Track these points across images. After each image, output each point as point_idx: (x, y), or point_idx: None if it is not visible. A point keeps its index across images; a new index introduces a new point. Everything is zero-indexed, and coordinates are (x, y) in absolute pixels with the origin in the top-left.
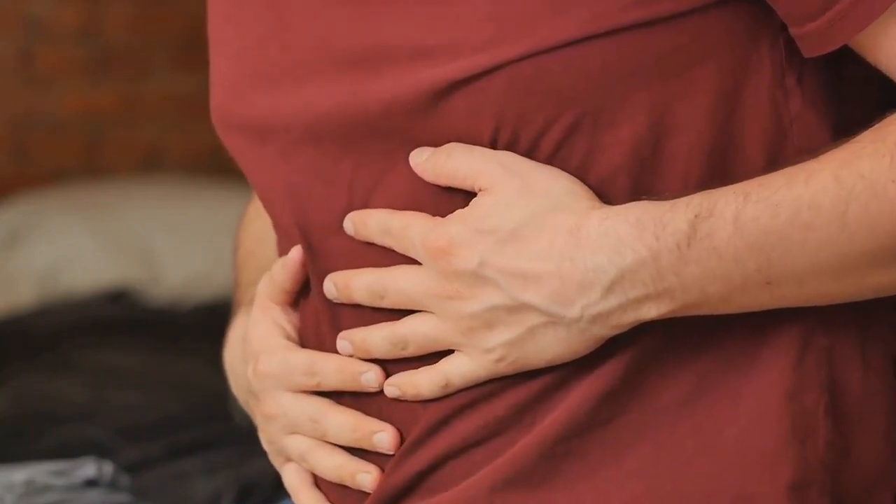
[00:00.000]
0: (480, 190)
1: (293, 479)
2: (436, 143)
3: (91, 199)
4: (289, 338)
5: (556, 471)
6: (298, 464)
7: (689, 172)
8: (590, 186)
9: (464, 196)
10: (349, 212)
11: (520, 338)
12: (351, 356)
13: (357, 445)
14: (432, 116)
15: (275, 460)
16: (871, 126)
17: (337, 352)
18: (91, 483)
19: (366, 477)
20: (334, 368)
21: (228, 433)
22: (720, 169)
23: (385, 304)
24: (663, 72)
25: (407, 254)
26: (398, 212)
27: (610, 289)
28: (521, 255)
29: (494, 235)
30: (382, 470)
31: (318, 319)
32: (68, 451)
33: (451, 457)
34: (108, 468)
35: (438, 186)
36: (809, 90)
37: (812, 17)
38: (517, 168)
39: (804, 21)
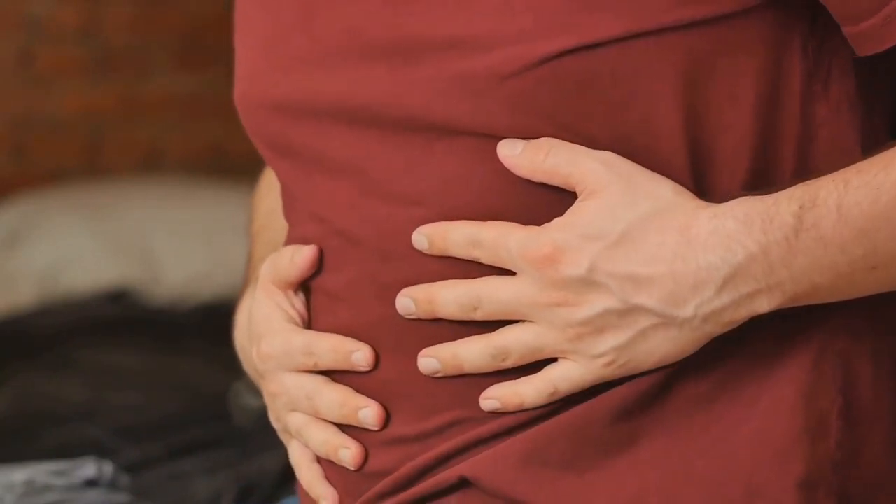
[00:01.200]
0: (583, 192)
1: (296, 455)
2: (474, 135)
3: (91, 199)
4: (291, 320)
5: (573, 454)
6: (298, 440)
7: (735, 174)
8: None
9: (503, 185)
10: (364, 198)
11: (631, 341)
12: (437, 373)
13: (345, 421)
14: (472, 108)
15: (282, 437)
16: None
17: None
18: (91, 483)
19: (346, 453)
20: (328, 348)
21: (228, 433)
22: (761, 171)
23: (477, 316)
24: (705, 72)
25: (498, 265)
26: (487, 223)
27: (723, 286)
28: (632, 258)
29: (603, 240)
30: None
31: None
32: (68, 451)
33: (481, 443)
34: (108, 468)
35: (474, 177)
36: (835, 97)
37: (867, 15)
38: (622, 169)
39: (859, 19)
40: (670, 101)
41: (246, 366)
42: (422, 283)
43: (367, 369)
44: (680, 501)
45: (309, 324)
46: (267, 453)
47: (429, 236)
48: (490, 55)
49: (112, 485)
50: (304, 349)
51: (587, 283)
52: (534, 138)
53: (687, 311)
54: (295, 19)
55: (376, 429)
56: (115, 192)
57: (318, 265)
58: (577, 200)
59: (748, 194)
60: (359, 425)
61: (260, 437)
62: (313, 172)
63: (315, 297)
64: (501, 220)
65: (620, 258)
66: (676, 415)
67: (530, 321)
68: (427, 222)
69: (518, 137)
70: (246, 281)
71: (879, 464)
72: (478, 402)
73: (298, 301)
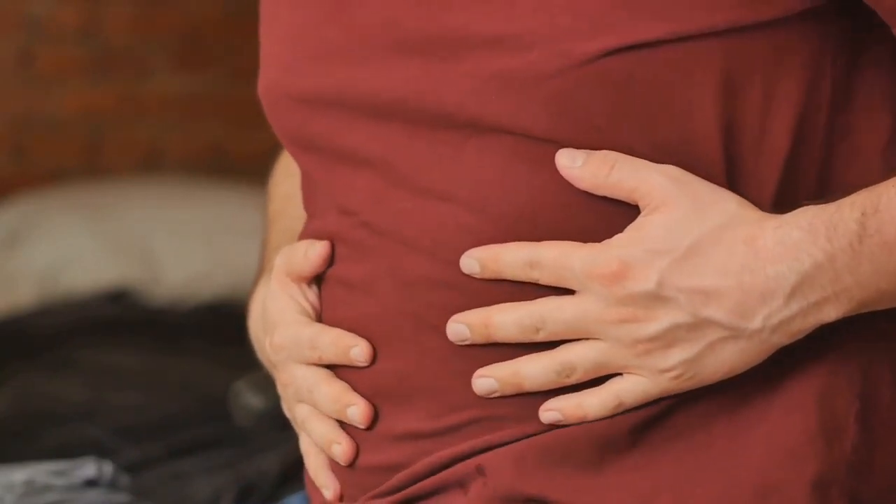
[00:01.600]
0: (647, 206)
1: (304, 443)
2: (510, 134)
3: (91, 199)
4: (303, 312)
5: (590, 455)
6: (301, 425)
7: (765, 186)
8: None
9: (538, 185)
10: (386, 192)
11: (700, 354)
12: (493, 393)
13: (337, 416)
14: (509, 107)
15: (295, 426)
16: None
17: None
18: (91, 483)
19: (337, 448)
20: (329, 342)
21: (228, 433)
22: (789, 182)
23: (539, 337)
24: (743, 80)
25: (561, 285)
26: (544, 243)
27: (791, 295)
28: (701, 271)
29: (670, 255)
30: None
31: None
32: (68, 451)
33: (499, 446)
34: (108, 468)
35: (507, 176)
36: (861, 109)
37: None
38: (687, 183)
39: None
40: (709, 109)
41: (260, 355)
42: (445, 279)
43: (365, 364)
44: (692, 498)
45: (324, 315)
46: (267, 453)
47: (480, 260)
48: (530, 54)
49: (112, 485)
50: (310, 342)
51: (656, 297)
52: (568, 141)
53: (756, 322)
54: (327, 11)
55: (362, 427)
56: (115, 192)
57: (331, 259)
58: (642, 215)
59: (811, 203)
60: (348, 422)
61: (260, 437)
62: (338, 164)
63: (334, 289)
64: (534, 219)
65: (688, 272)
66: (697, 423)
67: (596, 338)
68: (455, 218)
69: (554, 138)
70: (260, 269)
71: (893, 469)
72: (498, 403)
73: (312, 293)
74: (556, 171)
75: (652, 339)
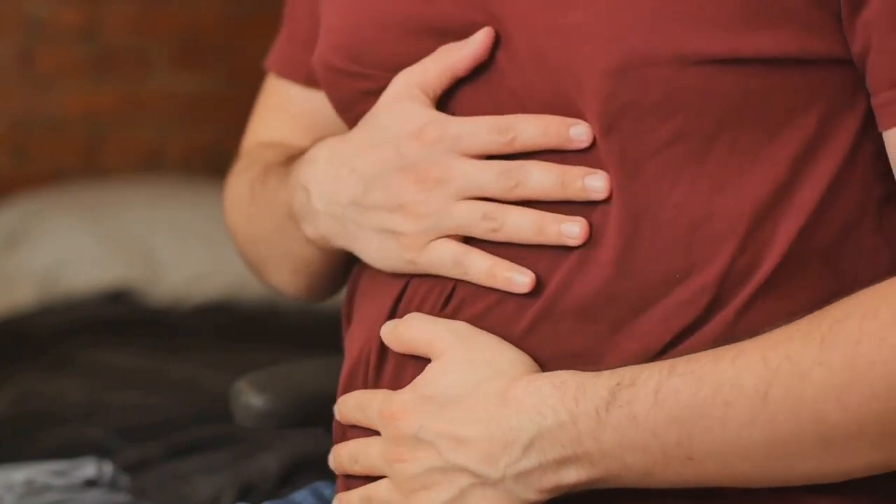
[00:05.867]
0: (433, 356)
1: (453, 247)
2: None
3: (91, 199)
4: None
5: None
6: (466, 230)
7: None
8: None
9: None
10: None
11: (453, 499)
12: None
13: (560, 194)
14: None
15: (422, 237)
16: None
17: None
18: (91, 483)
19: (520, 277)
20: (534, 122)
21: (228, 433)
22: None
23: (357, 470)
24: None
25: (365, 425)
26: (369, 390)
27: (529, 446)
28: (455, 418)
29: (436, 402)
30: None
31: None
32: (68, 451)
33: None
34: (108, 468)
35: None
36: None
37: (881, 89)
38: (469, 338)
39: (877, 91)
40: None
41: (324, 201)
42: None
43: (587, 144)
44: None
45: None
46: (267, 453)
47: (339, 408)
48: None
49: (112, 485)
50: (499, 127)
51: (418, 440)
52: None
53: (498, 470)
54: None
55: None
56: (115, 192)
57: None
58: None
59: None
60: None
61: (260, 437)
62: None
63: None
64: None
65: (447, 419)
66: None
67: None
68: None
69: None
70: (275, 167)
71: None
72: None
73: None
74: None
75: (413, 478)
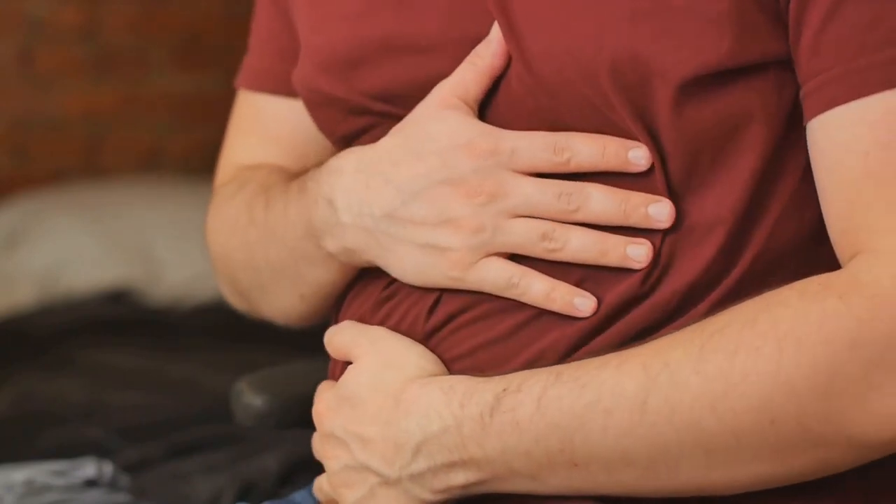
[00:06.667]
0: (353, 360)
1: (506, 266)
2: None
3: (91, 199)
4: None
5: None
6: (522, 249)
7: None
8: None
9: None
10: None
11: (364, 497)
12: None
13: (621, 220)
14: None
15: (471, 254)
16: None
17: None
18: (91, 483)
19: (582, 301)
20: (587, 141)
21: (228, 433)
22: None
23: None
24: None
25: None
26: (324, 383)
27: (418, 450)
28: (362, 419)
29: (349, 402)
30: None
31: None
32: (68, 451)
33: None
34: (108, 468)
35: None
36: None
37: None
38: (379, 341)
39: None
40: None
41: (353, 214)
42: None
43: (645, 168)
44: None
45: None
46: (267, 453)
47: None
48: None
49: (112, 485)
50: (555, 145)
51: (336, 438)
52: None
53: (394, 471)
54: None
55: (666, 224)
56: (115, 192)
57: None
58: None
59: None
60: (642, 224)
61: (260, 437)
62: None
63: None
64: None
65: (354, 418)
66: None
67: None
68: None
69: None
70: (284, 189)
71: None
72: None
73: None
74: None
75: (336, 475)
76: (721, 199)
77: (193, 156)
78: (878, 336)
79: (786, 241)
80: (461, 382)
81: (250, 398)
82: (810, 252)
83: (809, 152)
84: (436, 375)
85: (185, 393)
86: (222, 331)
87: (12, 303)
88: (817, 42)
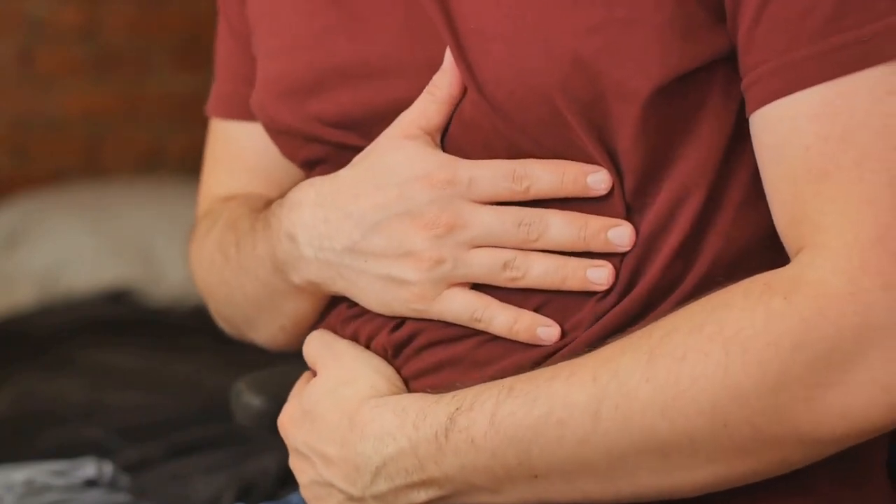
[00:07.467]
0: (317, 373)
1: (469, 299)
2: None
3: (91, 199)
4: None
5: None
6: (484, 279)
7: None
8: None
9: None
10: None
11: None
12: None
13: (581, 247)
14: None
15: (432, 287)
16: None
17: None
18: (91, 483)
19: (545, 330)
20: (545, 170)
21: (228, 433)
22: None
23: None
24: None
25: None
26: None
27: (377, 474)
28: (320, 435)
29: (309, 416)
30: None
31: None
32: (68, 451)
33: None
34: (108, 468)
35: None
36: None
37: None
38: (339, 355)
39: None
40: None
41: (324, 242)
42: None
43: (606, 192)
44: None
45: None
46: (267, 453)
47: None
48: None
49: (112, 485)
50: (513, 173)
51: (299, 453)
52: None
53: (357, 490)
54: (336, 22)
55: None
56: (115, 192)
57: None
58: None
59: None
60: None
61: (260, 437)
62: None
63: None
64: None
65: (315, 435)
66: None
67: None
68: None
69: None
70: (248, 230)
71: None
72: None
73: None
74: None
75: (306, 488)
76: (677, 202)
77: (193, 156)
78: (824, 335)
79: (744, 240)
80: (413, 403)
81: (250, 398)
82: (770, 250)
83: (753, 145)
84: (389, 395)
85: (185, 393)
86: (222, 331)
87: (12, 303)
88: (752, 34)
